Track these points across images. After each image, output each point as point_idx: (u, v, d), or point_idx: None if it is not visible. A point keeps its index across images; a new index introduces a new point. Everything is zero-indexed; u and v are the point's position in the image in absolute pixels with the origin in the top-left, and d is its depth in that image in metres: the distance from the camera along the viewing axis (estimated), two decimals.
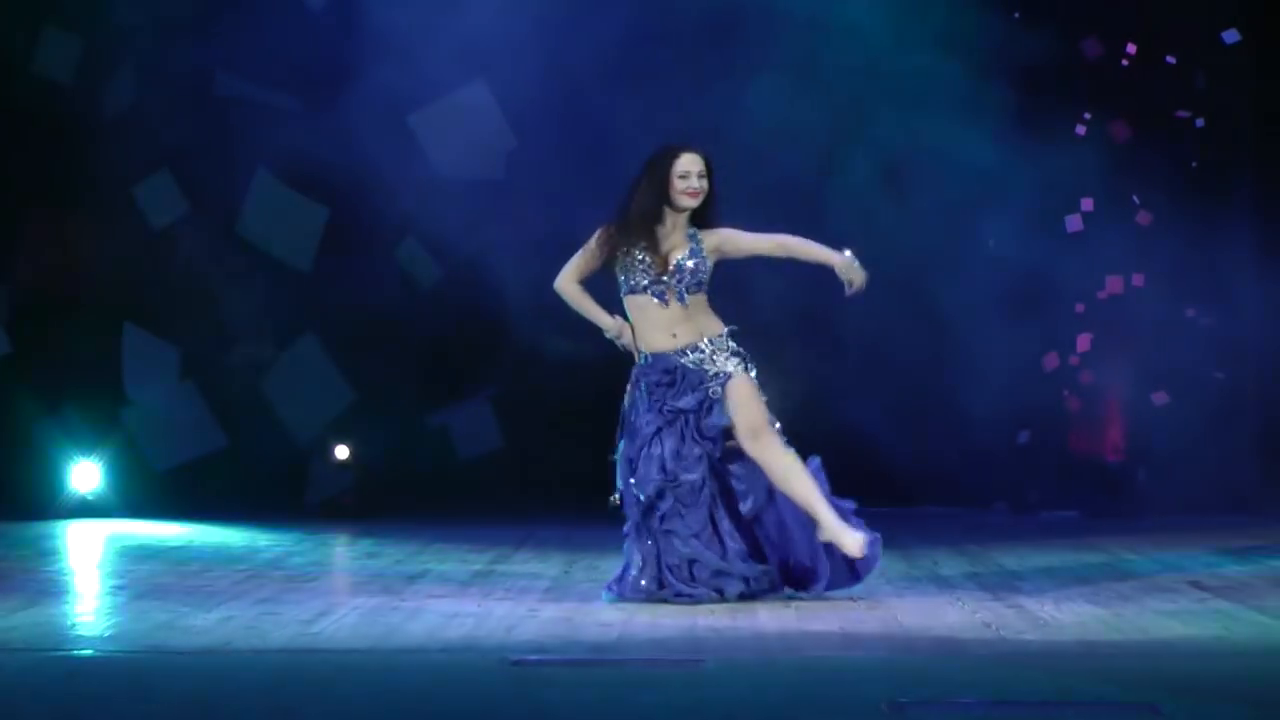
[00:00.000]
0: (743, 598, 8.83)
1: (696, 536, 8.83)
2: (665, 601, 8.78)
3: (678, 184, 8.82)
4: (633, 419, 8.95)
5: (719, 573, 8.83)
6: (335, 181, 12.94)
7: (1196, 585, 9.39)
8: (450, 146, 13.03)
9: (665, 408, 8.85)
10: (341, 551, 11.05)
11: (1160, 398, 13.10)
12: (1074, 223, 13.16)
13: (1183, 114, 13.20)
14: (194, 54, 12.83)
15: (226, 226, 13.02)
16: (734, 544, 8.90)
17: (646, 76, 12.59)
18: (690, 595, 8.79)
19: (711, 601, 8.77)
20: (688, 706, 6.60)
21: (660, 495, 8.82)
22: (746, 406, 8.88)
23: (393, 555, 10.72)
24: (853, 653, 7.62)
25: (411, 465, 13.35)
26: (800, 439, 13.10)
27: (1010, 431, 13.19)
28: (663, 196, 8.84)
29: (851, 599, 8.96)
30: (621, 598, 8.86)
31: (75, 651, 7.66)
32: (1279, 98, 13.15)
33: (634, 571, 8.88)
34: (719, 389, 8.85)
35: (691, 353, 8.89)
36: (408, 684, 6.98)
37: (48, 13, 12.85)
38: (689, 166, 8.83)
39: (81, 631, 8.14)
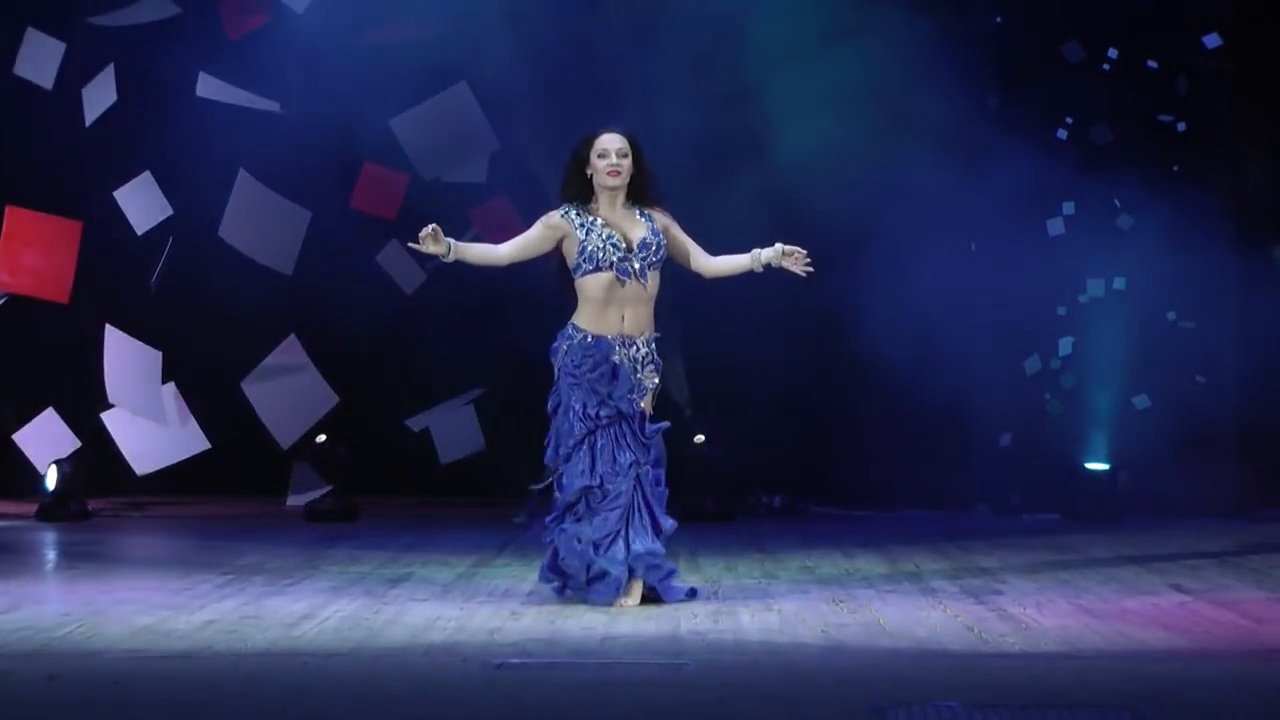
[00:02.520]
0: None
1: (596, 545, 8.87)
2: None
3: (598, 163, 8.94)
4: (565, 415, 8.96)
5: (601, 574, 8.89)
6: (318, 184, 12.94)
7: (1177, 588, 9.41)
8: (433, 149, 13.03)
9: (602, 412, 8.87)
10: (323, 555, 11.04)
11: (1141, 401, 13.13)
12: (1055, 226, 13.18)
13: (1164, 118, 13.23)
14: (175, 57, 12.82)
15: (209, 230, 13.00)
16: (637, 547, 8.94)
17: (630, 76, 12.60)
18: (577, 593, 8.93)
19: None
20: (670, 709, 6.61)
21: (580, 499, 8.89)
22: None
23: (375, 559, 10.72)
24: (835, 656, 7.63)
25: (394, 469, 13.35)
26: (783, 442, 13.22)
27: (992, 434, 13.21)
28: (587, 179, 8.95)
29: (835, 601, 8.97)
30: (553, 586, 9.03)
31: (56, 655, 7.64)
32: (1259, 103, 13.19)
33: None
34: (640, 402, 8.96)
35: (628, 348, 8.93)
36: (390, 687, 6.97)
37: (29, 16, 12.82)
38: (607, 145, 8.95)
39: (63, 635, 8.13)
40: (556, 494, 9.01)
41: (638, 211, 9.01)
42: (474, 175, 13.15)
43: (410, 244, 9.07)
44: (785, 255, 8.98)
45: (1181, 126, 13.21)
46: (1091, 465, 13.17)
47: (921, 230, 12.82)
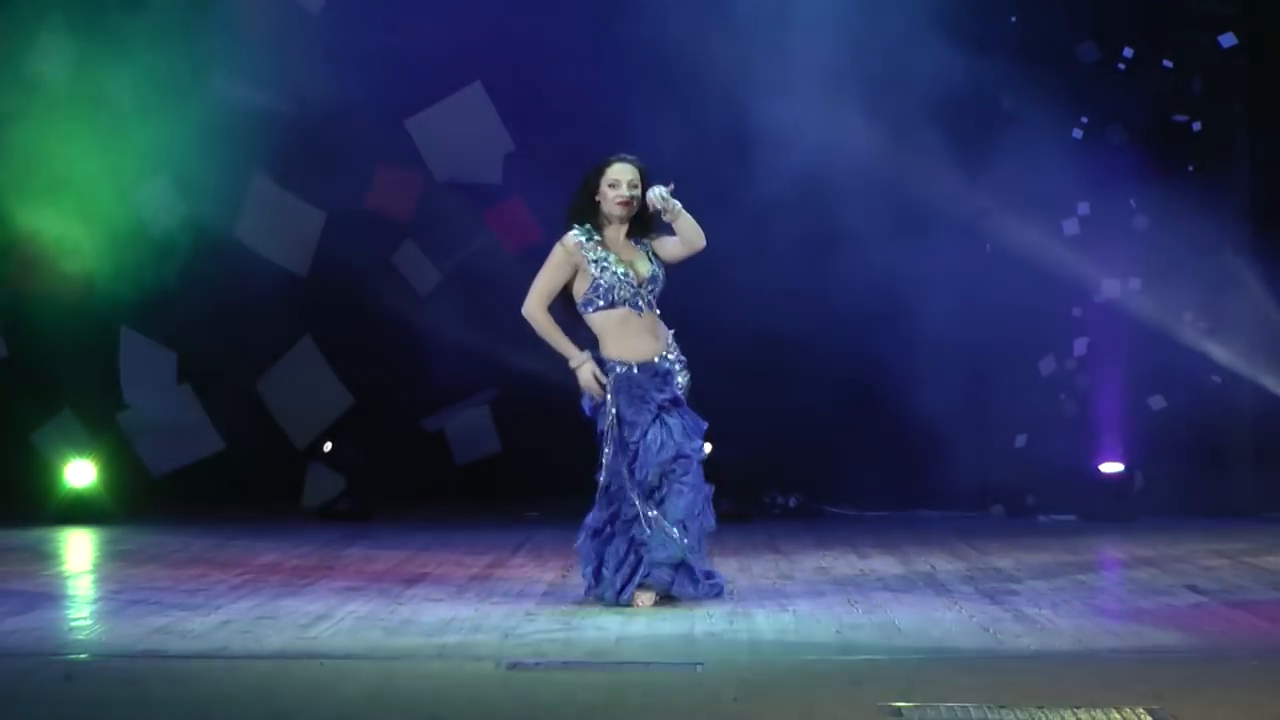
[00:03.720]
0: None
1: (684, 525, 8.85)
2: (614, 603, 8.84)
3: (608, 193, 8.91)
4: (621, 428, 8.93)
5: (680, 564, 8.87)
6: (333, 185, 12.96)
7: (1193, 589, 9.40)
8: (448, 150, 13.04)
9: (657, 403, 8.89)
10: (338, 556, 11.04)
11: (1156, 401, 13.12)
12: (1071, 226, 13.17)
13: (1180, 118, 13.21)
14: (192, 57, 12.83)
15: (225, 230, 13.02)
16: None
17: (649, 79, 12.61)
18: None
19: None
20: (685, 710, 6.61)
21: (662, 478, 8.86)
22: None
23: (390, 559, 10.72)
24: (850, 656, 7.63)
25: (409, 469, 13.36)
26: (800, 446, 13.21)
27: (1008, 435, 13.20)
28: (596, 207, 8.92)
29: (850, 602, 8.97)
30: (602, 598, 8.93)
31: (72, 656, 7.66)
32: (1275, 102, 13.17)
33: (607, 572, 8.93)
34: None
35: (670, 353, 8.98)
36: (405, 688, 6.98)
37: (45, 15, 12.84)
38: (618, 176, 8.91)
39: (78, 636, 8.14)
40: (608, 500, 8.94)
41: (636, 242, 8.97)
42: (489, 175, 13.16)
43: (583, 380, 8.97)
44: (664, 214, 8.80)
45: (1197, 126, 13.20)
46: (1107, 466, 13.16)
47: (936, 230, 12.81)
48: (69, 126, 12.73)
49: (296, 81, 12.72)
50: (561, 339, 8.98)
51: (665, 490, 8.86)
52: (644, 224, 8.99)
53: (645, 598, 8.83)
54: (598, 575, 8.96)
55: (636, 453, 8.85)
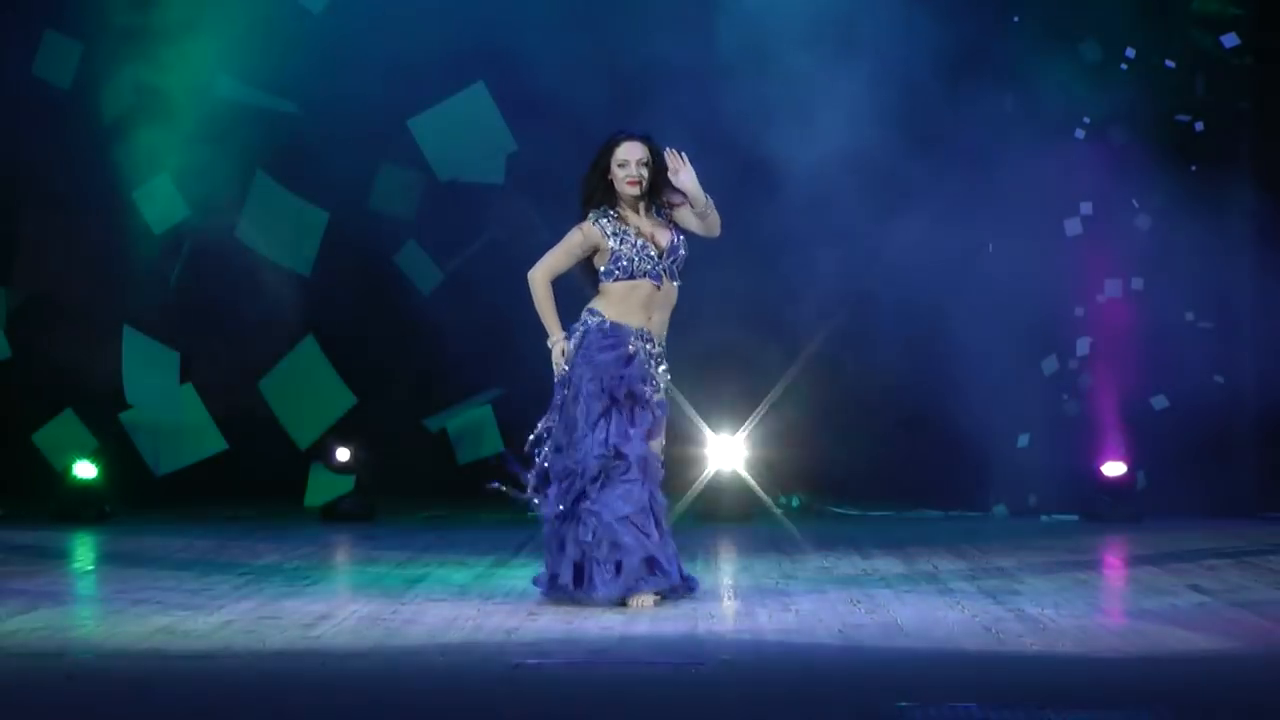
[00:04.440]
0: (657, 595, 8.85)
1: (627, 520, 8.83)
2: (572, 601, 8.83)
3: (618, 173, 8.97)
4: (577, 402, 8.94)
5: (648, 560, 8.84)
6: (336, 185, 12.96)
7: (1195, 589, 9.39)
8: (450, 150, 13.04)
9: (619, 390, 8.88)
10: (341, 555, 11.04)
11: (1159, 401, 13.11)
12: (1073, 226, 13.17)
13: (1182, 118, 13.21)
14: (193, 57, 12.83)
15: (226, 230, 13.03)
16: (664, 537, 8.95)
17: (652, 75, 12.60)
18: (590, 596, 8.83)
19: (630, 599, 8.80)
20: (688, 710, 6.60)
21: (599, 474, 8.86)
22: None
23: (392, 559, 10.72)
24: (852, 656, 7.63)
25: (411, 469, 13.35)
26: (803, 445, 13.20)
27: (1010, 435, 13.19)
28: (607, 186, 8.96)
29: (853, 602, 8.96)
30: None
31: (75, 656, 7.66)
32: (1278, 102, 13.16)
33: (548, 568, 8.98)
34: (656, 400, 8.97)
35: (645, 341, 8.96)
36: (408, 687, 6.98)
37: (48, 16, 12.84)
38: (627, 155, 8.96)
39: (81, 635, 8.14)
40: (553, 483, 8.96)
41: (657, 213, 9.04)
42: (491, 176, 13.15)
43: (557, 361, 9.03)
44: (673, 177, 8.85)
45: (1199, 126, 13.19)
46: (1109, 466, 13.15)
47: (938, 230, 12.80)
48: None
49: (299, 81, 12.71)
50: (551, 313, 9.01)
51: (604, 483, 8.84)
52: (656, 191, 9.01)
53: (643, 600, 8.82)
54: (577, 577, 8.89)
55: (573, 442, 8.86)
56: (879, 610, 8.73)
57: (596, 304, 9.01)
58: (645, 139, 9.01)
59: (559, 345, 9.01)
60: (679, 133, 11.23)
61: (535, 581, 9.13)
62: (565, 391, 9.00)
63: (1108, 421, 13.20)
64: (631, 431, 8.87)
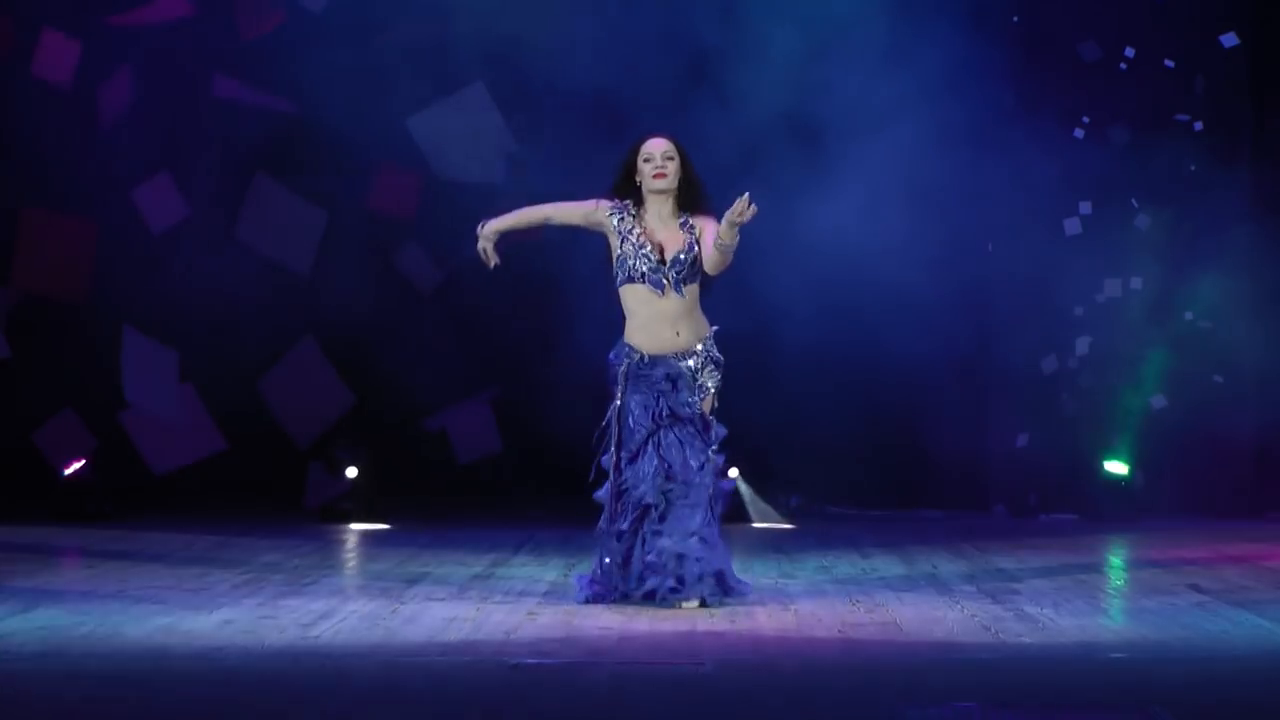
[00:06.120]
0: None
1: (694, 535, 8.82)
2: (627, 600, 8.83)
3: (644, 168, 8.94)
4: (626, 423, 8.91)
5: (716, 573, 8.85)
6: (335, 185, 12.96)
7: (1195, 588, 9.40)
8: (450, 149, 13.04)
9: (665, 413, 8.87)
10: (340, 555, 11.04)
11: (1158, 401, 13.11)
12: (1072, 226, 13.17)
13: (1181, 117, 13.21)
14: (192, 56, 12.83)
15: (226, 230, 13.02)
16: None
17: (651, 77, 12.60)
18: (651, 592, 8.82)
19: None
20: (687, 710, 6.60)
21: (661, 500, 8.83)
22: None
23: (392, 558, 10.72)
24: (852, 656, 7.63)
25: (411, 469, 13.35)
26: (803, 444, 13.20)
27: (1010, 434, 13.19)
28: (636, 186, 8.95)
29: (852, 601, 8.96)
30: (593, 596, 8.91)
31: (74, 655, 7.65)
32: (1277, 101, 13.16)
33: (598, 570, 8.94)
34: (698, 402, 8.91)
35: (687, 359, 8.93)
36: (407, 687, 6.98)
37: (46, 15, 12.83)
38: (652, 149, 8.96)
39: (80, 635, 8.14)
40: (611, 500, 8.93)
41: (682, 220, 8.97)
42: (490, 175, 13.15)
43: (481, 246, 9.10)
44: (735, 217, 8.61)
45: (1199, 126, 13.19)
46: (1109, 466, 13.15)
47: (937, 230, 12.80)
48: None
49: (298, 80, 12.70)
50: (510, 216, 9.09)
51: (666, 510, 8.83)
52: (688, 198, 8.94)
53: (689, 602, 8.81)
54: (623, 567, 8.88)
55: (625, 473, 8.85)
56: (878, 610, 8.73)
57: (628, 335, 8.96)
58: (671, 136, 9.01)
59: (485, 233, 9.06)
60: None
61: (579, 581, 9.11)
62: (614, 410, 8.95)
63: (1107, 421, 13.20)
64: (690, 462, 8.84)
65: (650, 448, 8.84)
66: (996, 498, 13.32)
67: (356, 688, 6.97)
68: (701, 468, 8.85)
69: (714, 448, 8.94)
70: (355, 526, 12.65)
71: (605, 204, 8.98)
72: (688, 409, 8.88)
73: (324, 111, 12.68)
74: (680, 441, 8.87)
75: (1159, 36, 13.14)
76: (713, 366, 8.98)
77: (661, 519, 8.83)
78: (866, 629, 8.22)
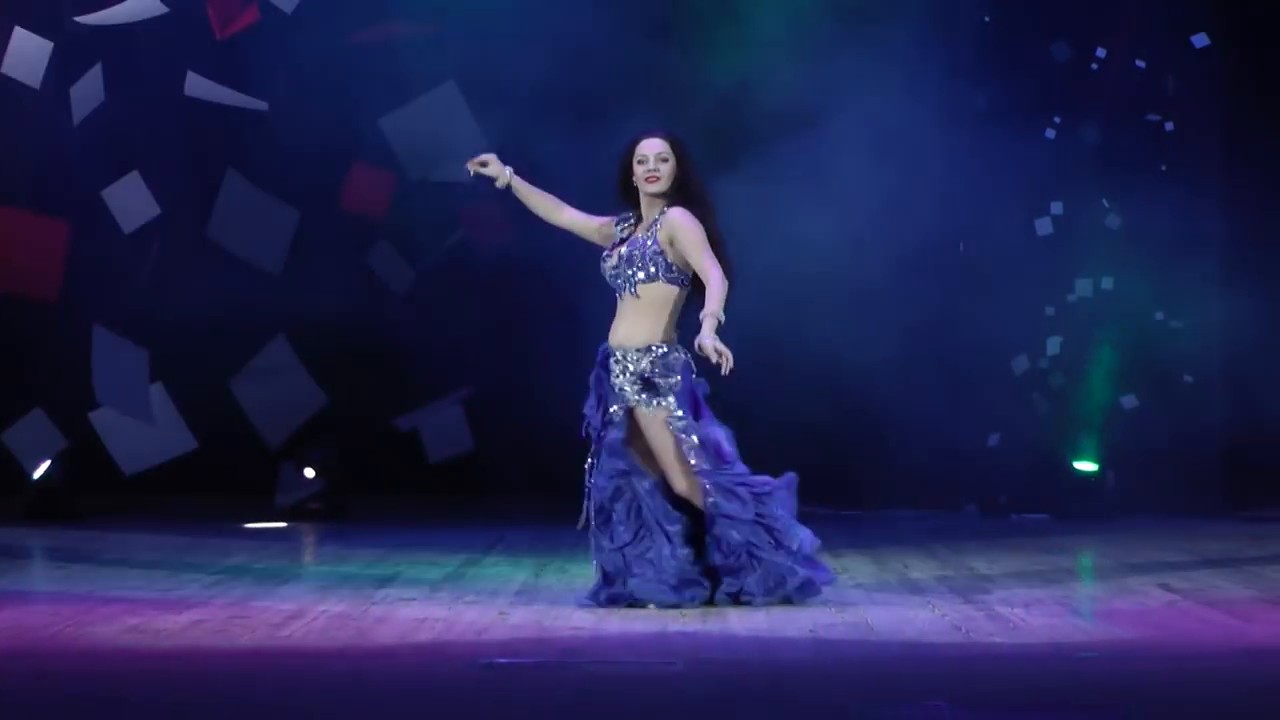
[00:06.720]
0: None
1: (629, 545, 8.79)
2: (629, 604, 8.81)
3: (637, 170, 8.82)
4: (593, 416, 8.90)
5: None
6: (307, 184, 12.94)
7: (1166, 588, 9.41)
8: (421, 149, 13.02)
9: (593, 420, 8.82)
10: (311, 555, 11.02)
11: (1129, 400, 13.14)
12: (1044, 226, 13.19)
13: (1153, 117, 13.24)
14: (163, 55, 12.80)
15: (197, 229, 12.99)
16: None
17: (627, 74, 12.61)
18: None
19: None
20: (659, 709, 6.60)
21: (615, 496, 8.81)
22: (660, 436, 8.77)
23: (363, 558, 10.71)
24: (823, 656, 7.63)
25: (382, 469, 13.34)
26: (772, 444, 13.20)
27: (980, 434, 13.21)
28: (630, 188, 8.84)
29: (824, 602, 8.96)
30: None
31: (44, 655, 7.63)
32: (1247, 102, 13.20)
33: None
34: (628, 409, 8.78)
35: (615, 360, 8.75)
36: (378, 687, 6.96)
37: (16, 15, 12.79)
38: (645, 151, 8.80)
39: (50, 635, 8.11)
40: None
41: (655, 217, 8.77)
42: (462, 174, 13.11)
43: (469, 165, 9.03)
44: (703, 349, 8.49)
45: (1170, 126, 13.23)
46: (1080, 465, 13.18)
47: (908, 231, 12.82)
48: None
49: (270, 79, 12.68)
50: (532, 186, 9.08)
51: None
52: (678, 195, 8.76)
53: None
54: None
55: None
56: (849, 610, 8.73)
57: None
58: (667, 134, 8.83)
59: (507, 171, 9.08)
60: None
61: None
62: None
63: (1078, 420, 13.23)
64: (608, 460, 8.80)
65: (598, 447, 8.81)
66: (968, 497, 13.35)
67: (327, 688, 6.96)
68: (614, 475, 8.73)
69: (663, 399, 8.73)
70: (325, 526, 12.62)
71: (612, 220, 8.91)
72: (595, 417, 8.73)
73: (296, 110, 12.66)
74: (608, 450, 8.77)
75: (1130, 37, 13.17)
76: (637, 378, 8.70)
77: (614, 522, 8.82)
78: (838, 629, 8.22)
